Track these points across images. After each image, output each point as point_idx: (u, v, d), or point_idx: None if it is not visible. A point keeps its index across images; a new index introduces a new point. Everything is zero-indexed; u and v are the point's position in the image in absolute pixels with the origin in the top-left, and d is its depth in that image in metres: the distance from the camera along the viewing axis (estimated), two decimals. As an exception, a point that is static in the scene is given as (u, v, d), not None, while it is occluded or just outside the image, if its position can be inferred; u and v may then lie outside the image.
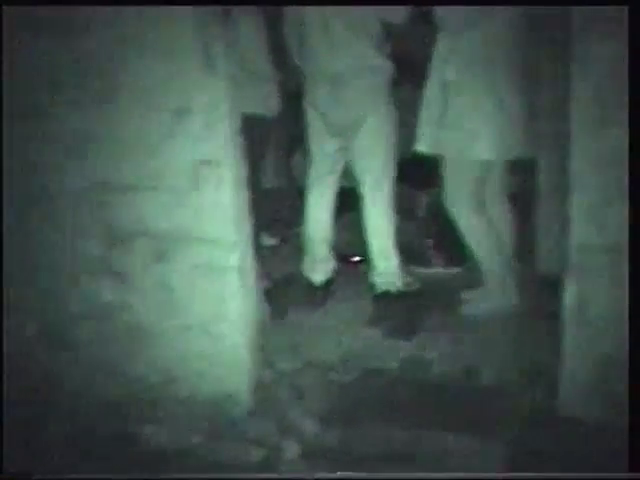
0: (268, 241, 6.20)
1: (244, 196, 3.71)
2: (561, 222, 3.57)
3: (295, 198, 6.28)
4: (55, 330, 4.10)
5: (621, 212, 3.16)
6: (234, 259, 3.64)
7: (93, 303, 3.98)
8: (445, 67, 4.33)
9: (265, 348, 4.03)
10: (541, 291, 4.72)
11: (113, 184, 3.80)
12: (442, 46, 4.35)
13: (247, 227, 3.74)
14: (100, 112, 3.75)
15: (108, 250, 3.88)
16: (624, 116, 3.11)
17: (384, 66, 4.73)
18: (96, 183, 3.82)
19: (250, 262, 3.79)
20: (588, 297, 3.38)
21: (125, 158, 3.75)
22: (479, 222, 4.58)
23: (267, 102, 4.92)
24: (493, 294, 4.70)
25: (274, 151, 6.78)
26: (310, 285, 5.18)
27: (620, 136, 3.12)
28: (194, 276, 3.74)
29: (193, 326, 3.81)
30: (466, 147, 4.36)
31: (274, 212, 6.49)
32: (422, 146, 4.55)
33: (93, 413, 4.00)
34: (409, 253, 5.38)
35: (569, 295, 3.42)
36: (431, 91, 4.44)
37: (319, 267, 5.16)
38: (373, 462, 3.52)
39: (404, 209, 5.54)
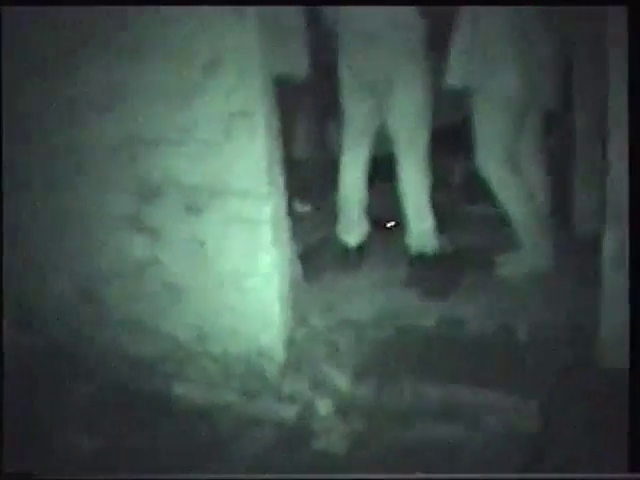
0: (301, 208, 6.15)
1: (277, 147, 3.67)
2: (598, 179, 3.51)
3: (328, 167, 6.24)
4: (86, 287, 4.09)
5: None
6: (267, 211, 3.61)
7: (124, 259, 3.97)
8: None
9: (298, 306, 3.99)
10: (578, 250, 4.66)
11: (144, 138, 3.79)
12: None
13: (280, 178, 3.70)
14: (130, 66, 3.73)
15: (139, 205, 3.87)
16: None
17: (417, 23, 4.67)
18: (126, 137, 3.82)
19: (283, 213, 3.75)
20: (626, 250, 3.30)
21: (156, 111, 3.73)
22: (513, 182, 4.53)
23: (298, 61, 4.87)
24: (528, 256, 4.63)
25: (306, 120, 6.73)
26: (344, 248, 5.14)
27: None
28: (226, 229, 3.71)
29: (225, 281, 3.79)
30: (491, 78, 4.36)
31: (307, 180, 6.44)
32: (451, 78, 4.52)
33: (124, 371, 4.00)
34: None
35: (607, 248, 3.35)
36: (463, 23, 4.40)
37: (353, 229, 5.11)
38: (406, 418, 3.49)
39: (438, 177, 5.49)
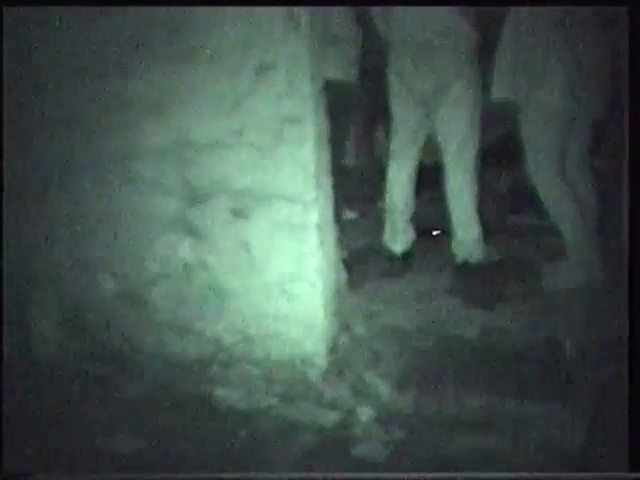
0: (348, 215, 6.15)
1: (326, 153, 3.68)
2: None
3: (376, 174, 6.24)
4: (133, 289, 4.11)
5: None
6: (314, 216, 3.62)
7: (171, 262, 3.99)
8: (522, 10, 4.33)
9: (342, 313, 3.99)
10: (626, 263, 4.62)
11: (193, 142, 3.80)
12: None
13: (328, 184, 3.70)
14: (182, 69, 3.75)
15: (187, 209, 3.89)
16: None
17: (469, 33, 4.66)
18: (176, 141, 3.83)
19: (330, 219, 3.75)
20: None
21: (207, 115, 3.75)
22: (561, 193, 4.51)
23: (349, 67, 4.88)
24: (575, 268, 4.60)
25: (356, 127, 6.74)
26: (389, 255, 5.14)
27: None
28: (273, 234, 3.72)
29: (270, 285, 3.80)
30: (537, 90, 4.38)
31: (354, 187, 6.44)
32: (496, 92, 4.54)
33: (168, 373, 4.00)
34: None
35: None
36: (507, 35, 4.41)
37: (399, 237, 5.11)
38: (447, 427, 3.47)
39: (485, 186, 5.47)
